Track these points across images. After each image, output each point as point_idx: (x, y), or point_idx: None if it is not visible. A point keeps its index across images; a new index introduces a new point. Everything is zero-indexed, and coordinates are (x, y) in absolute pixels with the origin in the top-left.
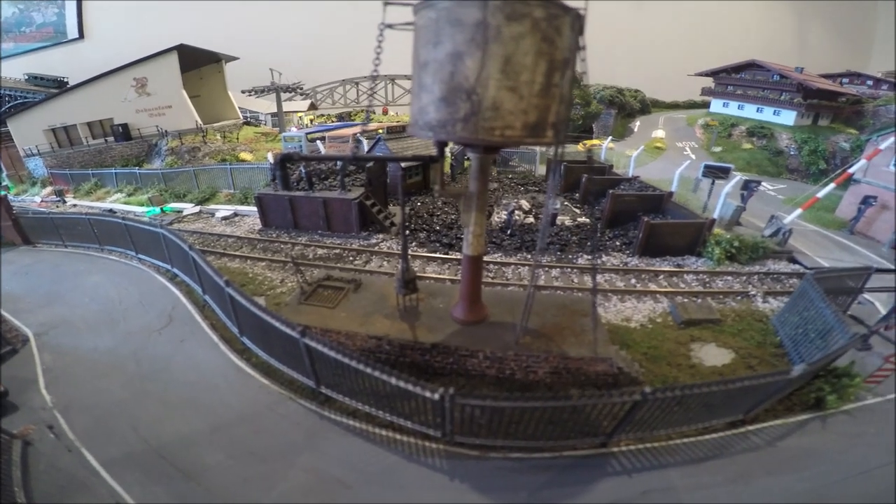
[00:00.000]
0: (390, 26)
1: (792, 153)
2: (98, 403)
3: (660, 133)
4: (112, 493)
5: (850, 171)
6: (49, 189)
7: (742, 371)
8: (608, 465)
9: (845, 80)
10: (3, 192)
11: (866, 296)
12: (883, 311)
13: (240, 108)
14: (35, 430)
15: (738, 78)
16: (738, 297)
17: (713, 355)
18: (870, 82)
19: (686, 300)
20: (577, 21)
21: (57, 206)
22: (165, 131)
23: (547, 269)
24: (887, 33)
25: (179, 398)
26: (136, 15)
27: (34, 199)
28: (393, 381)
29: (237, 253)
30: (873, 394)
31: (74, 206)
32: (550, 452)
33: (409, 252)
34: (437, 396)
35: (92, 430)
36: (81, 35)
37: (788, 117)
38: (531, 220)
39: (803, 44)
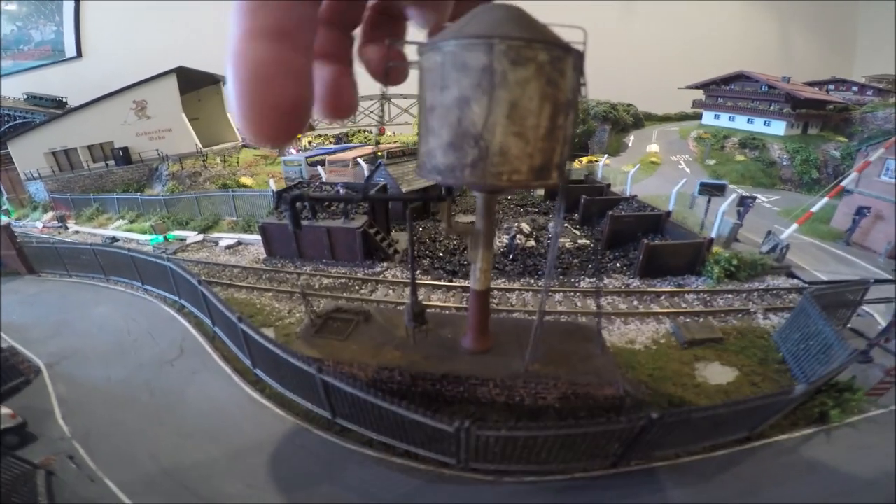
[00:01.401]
0: (392, 66)
1: (784, 163)
2: (115, 433)
3: (654, 147)
4: None
5: (843, 184)
6: (51, 214)
7: (746, 388)
8: (620, 486)
9: (831, 87)
10: (5, 218)
11: (865, 307)
12: (882, 323)
13: (238, 129)
14: (56, 460)
15: (727, 90)
16: (739, 315)
17: (717, 374)
18: (855, 88)
19: (688, 320)
20: (579, 60)
21: (59, 233)
22: (166, 155)
23: (550, 293)
24: (869, 36)
25: (196, 428)
26: (134, 35)
27: (36, 225)
28: (411, 415)
29: (243, 284)
30: (876, 406)
31: (76, 232)
32: (563, 475)
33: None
34: (452, 429)
35: (112, 459)
36: (79, 53)
37: (779, 127)
38: (532, 243)
39: (787, 52)
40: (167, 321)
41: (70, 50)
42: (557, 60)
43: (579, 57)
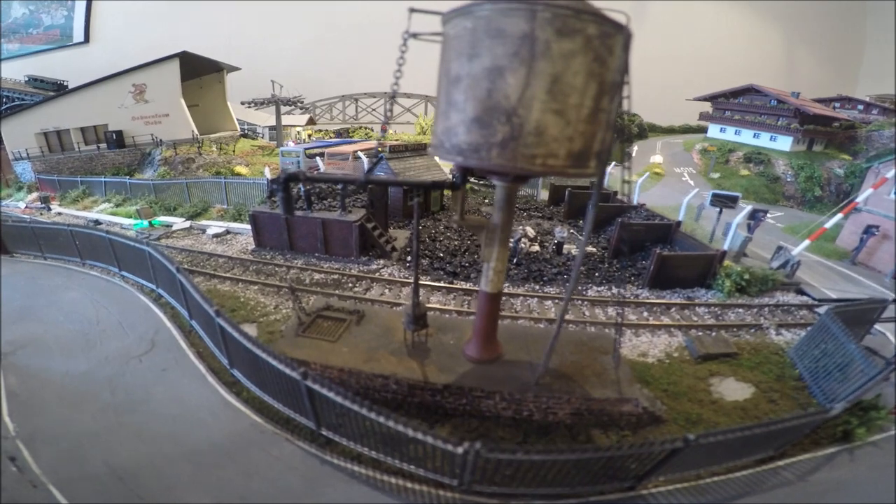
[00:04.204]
0: (415, 36)
1: (788, 179)
2: (67, 434)
3: (658, 158)
4: None
5: (858, 200)
6: (34, 195)
7: (764, 405)
8: None
9: (836, 104)
10: None
11: (877, 326)
12: (894, 341)
13: (238, 119)
14: None
15: (735, 103)
16: (752, 330)
17: (733, 390)
18: (860, 107)
19: (700, 333)
20: (628, 40)
21: (41, 214)
22: (160, 140)
23: (556, 301)
24: (875, 56)
25: (160, 433)
26: (142, 22)
27: (18, 205)
28: (410, 432)
29: (228, 275)
30: None
31: (59, 214)
32: (575, 499)
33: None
34: (460, 450)
35: (59, 464)
36: (87, 39)
37: (785, 143)
38: (537, 248)
39: (792, 68)
40: (141, 311)
41: (78, 35)
42: (607, 36)
43: (629, 37)
